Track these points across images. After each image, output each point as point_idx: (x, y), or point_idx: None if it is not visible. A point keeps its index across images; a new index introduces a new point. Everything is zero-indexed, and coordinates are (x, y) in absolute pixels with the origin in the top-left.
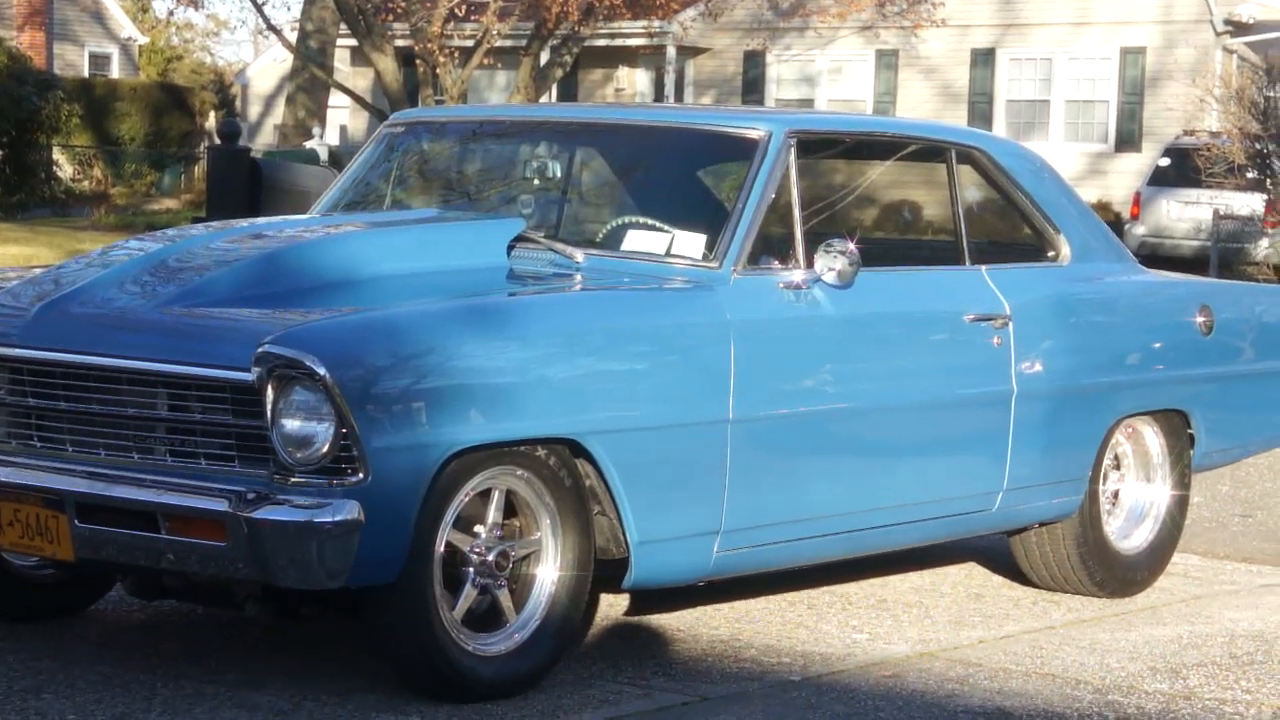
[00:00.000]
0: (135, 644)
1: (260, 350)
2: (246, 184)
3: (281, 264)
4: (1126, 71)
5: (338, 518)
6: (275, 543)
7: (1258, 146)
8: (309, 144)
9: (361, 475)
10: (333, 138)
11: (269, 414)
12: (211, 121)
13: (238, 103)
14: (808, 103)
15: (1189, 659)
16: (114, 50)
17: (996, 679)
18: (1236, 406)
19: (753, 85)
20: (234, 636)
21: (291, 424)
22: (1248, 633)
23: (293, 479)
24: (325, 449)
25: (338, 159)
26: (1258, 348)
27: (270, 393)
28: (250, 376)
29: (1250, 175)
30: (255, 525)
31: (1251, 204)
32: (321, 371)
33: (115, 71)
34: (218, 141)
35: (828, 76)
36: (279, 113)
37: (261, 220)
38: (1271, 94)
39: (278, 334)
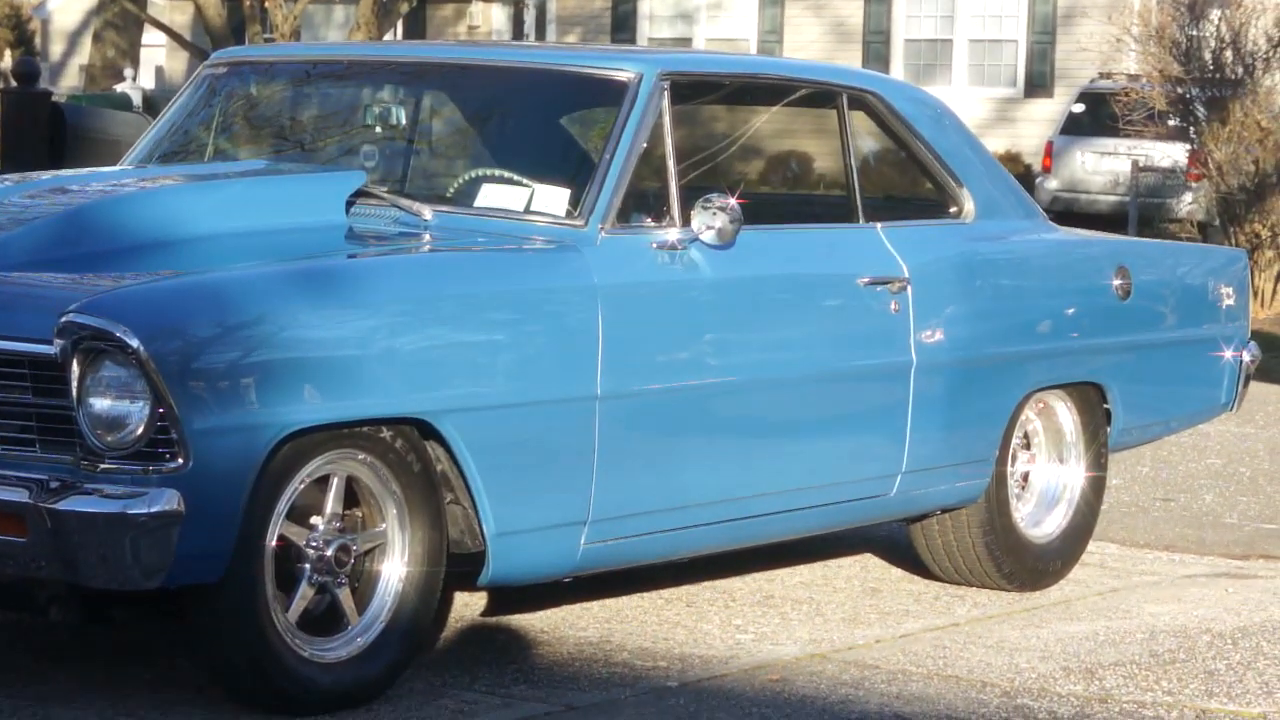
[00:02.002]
0: None
1: (64, 320)
2: (47, 132)
3: (88, 222)
4: (1037, 8)
5: (154, 509)
6: (82, 538)
7: (1180, 91)
8: (120, 87)
9: (181, 461)
10: (147, 80)
11: (74, 392)
12: (6, 61)
13: (37, 40)
14: (684, 42)
15: (1106, 658)
16: None
17: (895, 682)
18: (1157, 379)
19: (623, 22)
20: (36, 644)
21: (100, 403)
22: (1169, 628)
23: (102, 465)
24: (139, 431)
25: (153, 104)
26: (1180, 313)
27: (75, 368)
28: (52, 349)
29: (1172, 123)
30: (59, 518)
31: (1173, 155)
32: (134, 344)
33: None
34: (13, 84)
35: (706, 13)
36: (85, 52)
37: (66, 172)
38: (1195, 33)
39: (84, 301)
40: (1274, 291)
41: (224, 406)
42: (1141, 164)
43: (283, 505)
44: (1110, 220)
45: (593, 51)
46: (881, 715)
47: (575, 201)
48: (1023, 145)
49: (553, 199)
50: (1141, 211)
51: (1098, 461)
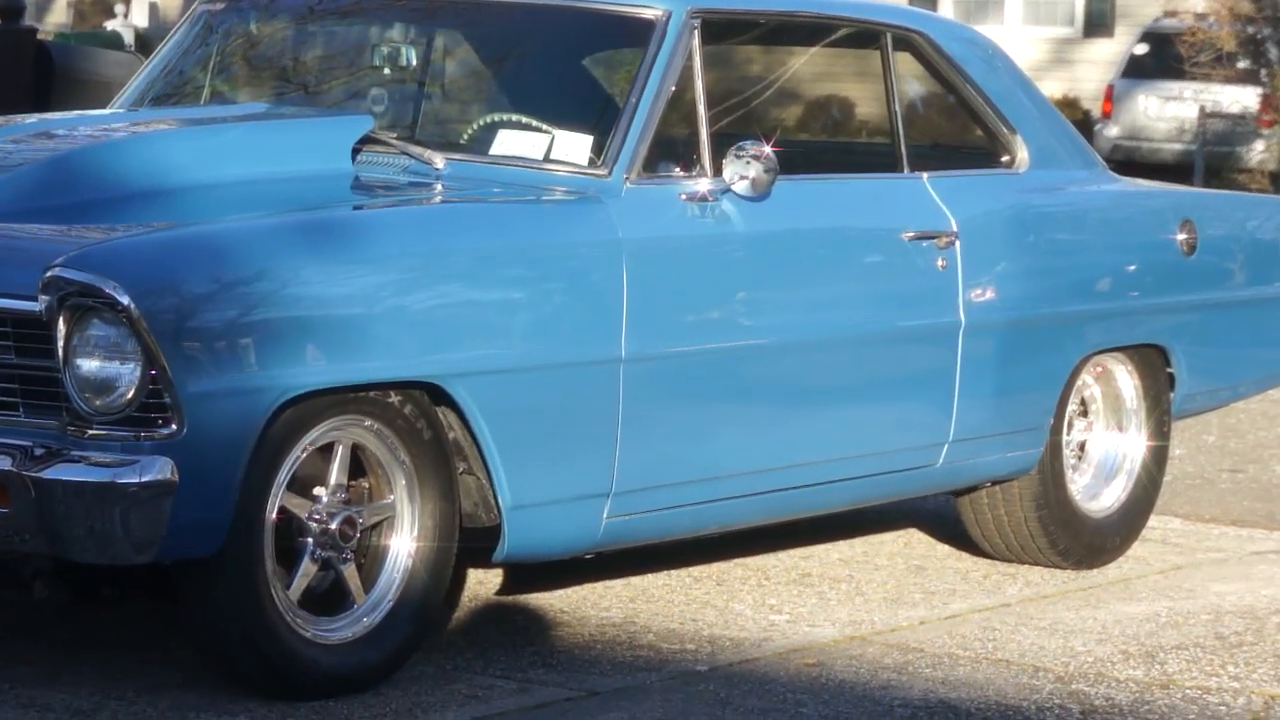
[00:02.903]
0: None
1: (49, 274)
2: (33, 72)
3: (76, 169)
4: None
5: (145, 478)
6: (69, 509)
7: (1250, 30)
8: (111, 24)
9: (175, 427)
10: (140, 17)
11: (61, 352)
12: None
13: None
14: None
15: (1168, 640)
16: None
17: (940, 666)
18: (1224, 341)
19: None
20: (21, 623)
21: (89, 364)
22: (1236, 609)
23: (91, 431)
24: (130, 395)
25: (146, 43)
26: (1249, 271)
27: (62, 326)
28: (37, 306)
29: (1241, 65)
30: (44, 487)
31: (1243, 99)
32: (125, 300)
33: None
34: None
35: None
36: None
37: (52, 116)
38: None
39: (71, 254)
40: None
41: (221, 369)
42: (1209, 109)
43: (283, 475)
44: (1175, 170)
45: None
46: (926, 702)
47: (598, 149)
48: (1081, 89)
49: (574, 147)
50: (1208, 161)
51: (1160, 430)
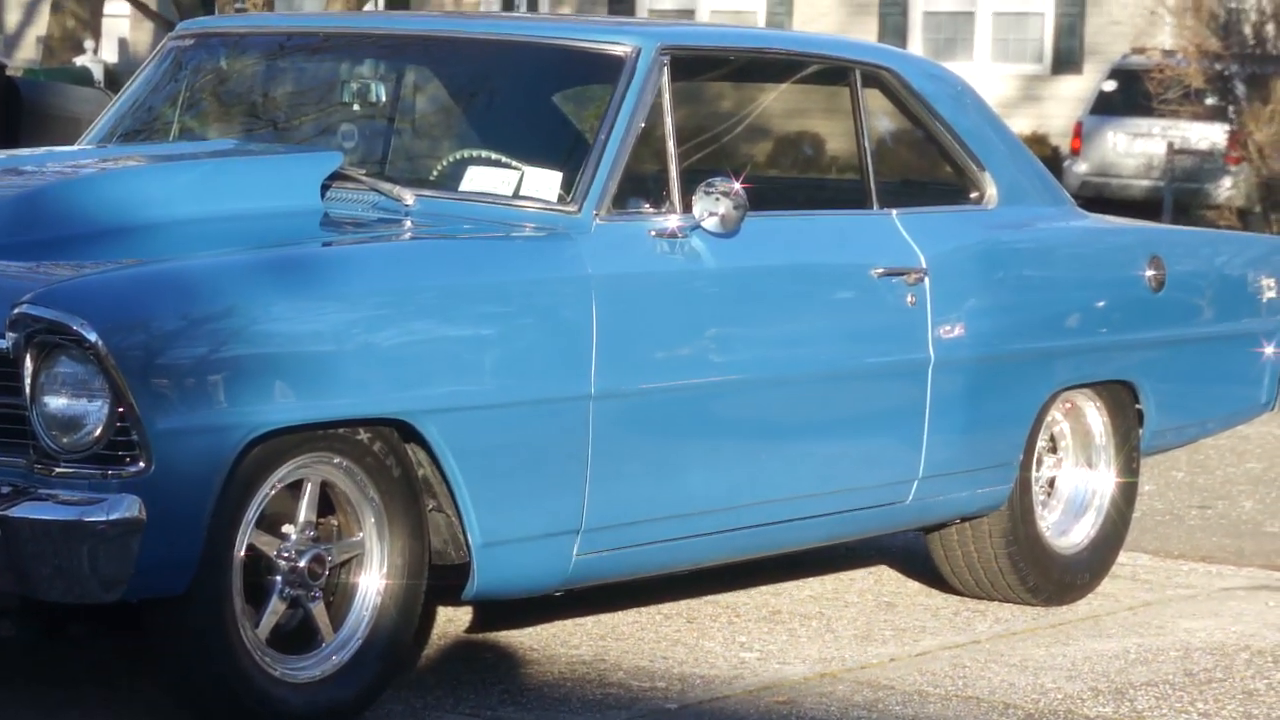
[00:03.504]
0: None
1: (16, 311)
2: (1, 108)
3: (44, 206)
4: None
5: (113, 516)
6: (36, 547)
7: (1218, 68)
8: (80, 60)
9: (143, 464)
10: (109, 53)
11: (28, 389)
12: None
13: None
14: (687, 14)
15: (1137, 677)
16: None
17: (911, 704)
18: (1193, 377)
19: None
20: None
21: (56, 402)
22: (1205, 645)
23: (58, 469)
24: (98, 432)
25: (115, 79)
26: (1218, 307)
27: (29, 363)
28: (4, 343)
29: (1210, 102)
30: (11, 525)
31: (1211, 136)
32: (92, 337)
33: None
34: None
35: None
36: (43, 22)
37: (20, 152)
38: (1234, 5)
39: (38, 291)
40: None
41: (189, 406)
42: (1177, 146)
43: (252, 513)
44: (1143, 206)
45: (587, 24)
46: None
47: (568, 186)
48: (1050, 126)
49: (544, 183)
50: (1177, 197)
51: (1129, 466)
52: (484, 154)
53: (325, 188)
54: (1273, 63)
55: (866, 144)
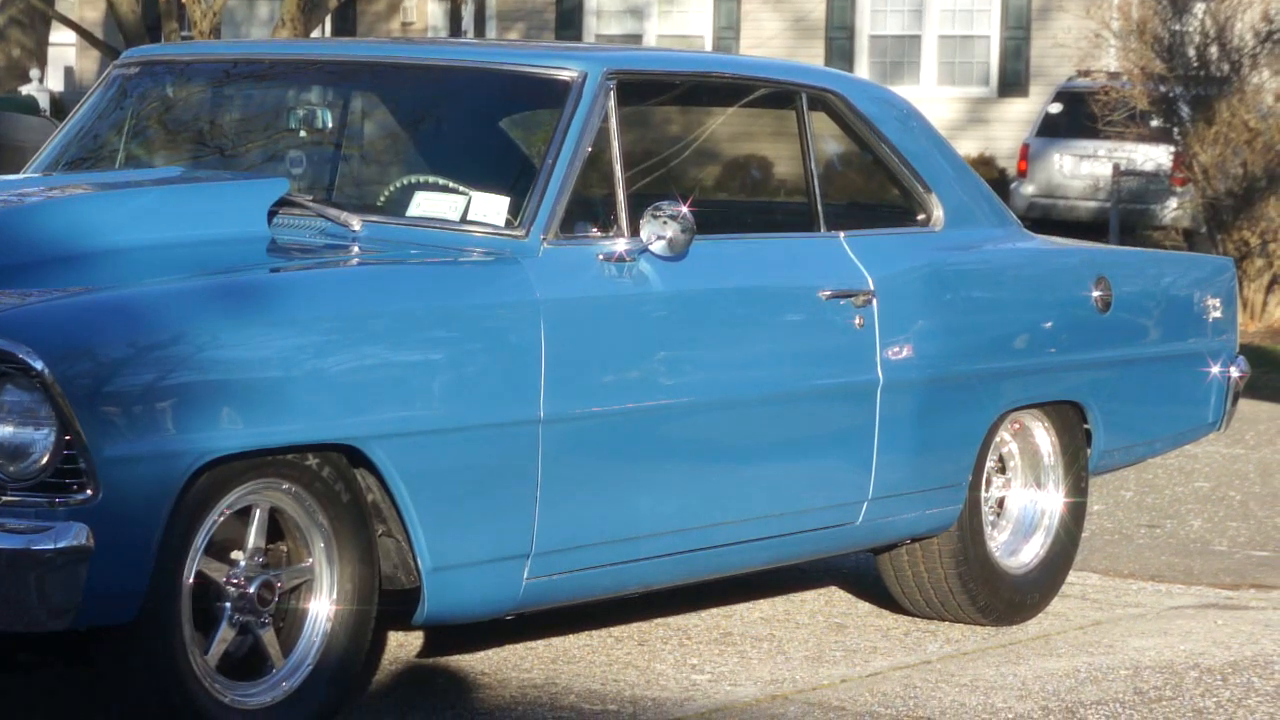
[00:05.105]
0: None
1: None
2: None
3: None
4: (1010, 2)
5: (61, 544)
6: None
7: (1163, 89)
8: (25, 89)
9: (90, 492)
10: (55, 82)
11: None
12: None
13: None
14: (635, 39)
15: (1087, 696)
16: None
17: None
18: (1140, 397)
19: (569, 18)
20: None
21: (2, 430)
22: (1155, 664)
23: (4, 497)
24: (45, 460)
25: (61, 107)
26: (1164, 327)
27: None
28: None
29: (1155, 124)
30: None
31: (1156, 157)
32: (38, 365)
33: None
34: None
35: (658, 8)
36: None
37: None
38: (1178, 28)
39: None
40: (1264, 303)
41: (137, 433)
42: (1123, 167)
43: (201, 539)
44: (1090, 227)
45: (534, 49)
46: None
47: (515, 210)
48: (996, 148)
49: (491, 208)
50: (1123, 218)
51: (1078, 486)
52: (431, 179)
53: (272, 214)
54: (1216, 84)
55: (813, 167)
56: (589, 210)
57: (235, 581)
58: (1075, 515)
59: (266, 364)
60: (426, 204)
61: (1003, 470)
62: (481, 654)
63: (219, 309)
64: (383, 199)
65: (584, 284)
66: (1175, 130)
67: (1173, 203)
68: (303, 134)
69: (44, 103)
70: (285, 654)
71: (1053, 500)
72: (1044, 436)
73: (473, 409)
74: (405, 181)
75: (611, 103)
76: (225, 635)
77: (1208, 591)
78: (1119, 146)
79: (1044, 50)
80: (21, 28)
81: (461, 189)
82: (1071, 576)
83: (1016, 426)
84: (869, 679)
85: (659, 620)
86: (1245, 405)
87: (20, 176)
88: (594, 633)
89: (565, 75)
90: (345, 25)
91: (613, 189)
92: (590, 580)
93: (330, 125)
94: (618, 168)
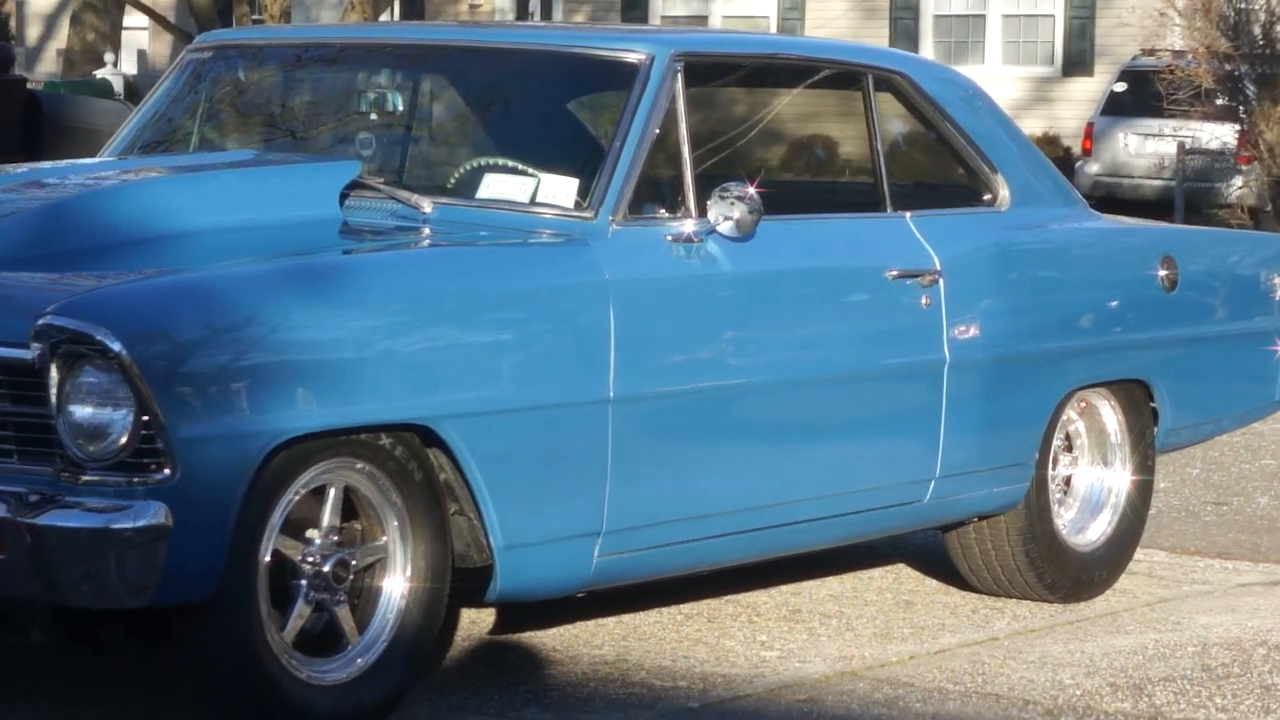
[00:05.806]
0: None
1: (41, 322)
2: (23, 121)
3: (67, 218)
4: None
5: (140, 523)
6: (64, 554)
7: (1228, 68)
8: (100, 73)
9: (168, 471)
10: (129, 65)
11: (54, 399)
12: None
13: (12, 23)
14: (700, 21)
15: (1155, 673)
16: None
17: (930, 701)
18: (1206, 375)
19: (635, 1)
20: (16, 668)
21: (81, 411)
22: (1222, 640)
23: (84, 477)
24: (123, 440)
25: (135, 91)
26: (1230, 305)
27: (55, 373)
28: (30, 354)
29: (1220, 102)
30: (39, 533)
31: (1222, 136)
32: (116, 347)
33: None
34: None
35: None
36: (63, 36)
37: (42, 165)
38: (1243, 5)
39: (62, 302)
40: None
41: (213, 413)
42: (1188, 146)
43: (276, 518)
44: (1155, 206)
45: (601, 32)
46: None
47: (584, 192)
48: (1061, 127)
49: (560, 189)
50: (1188, 197)
51: (1144, 464)
52: (500, 161)
53: (344, 197)
54: None
55: (879, 147)
56: (657, 192)
57: (311, 559)
58: (1142, 493)
59: (339, 345)
60: (496, 186)
61: (1070, 448)
62: (553, 631)
63: (292, 291)
64: (452, 181)
65: (652, 265)
66: (1240, 108)
67: (1238, 181)
68: (373, 117)
69: (118, 86)
70: (360, 631)
71: (1119, 478)
72: (1110, 415)
73: (543, 389)
74: (475, 164)
75: (679, 85)
76: (301, 612)
77: (1275, 569)
78: (1184, 125)
79: (1108, 29)
80: (95, 12)
81: (530, 171)
82: (1138, 554)
83: (1083, 405)
84: (937, 655)
85: (728, 597)
86: None
87: (96, 160)
88: (664, 610)
89: (633, 58)
90: (413, 8)
91: (680, 170)
92: (660, 558)
93: (400, 108)
94: (685, 149)
